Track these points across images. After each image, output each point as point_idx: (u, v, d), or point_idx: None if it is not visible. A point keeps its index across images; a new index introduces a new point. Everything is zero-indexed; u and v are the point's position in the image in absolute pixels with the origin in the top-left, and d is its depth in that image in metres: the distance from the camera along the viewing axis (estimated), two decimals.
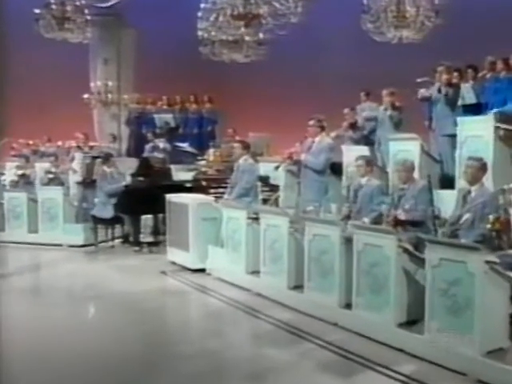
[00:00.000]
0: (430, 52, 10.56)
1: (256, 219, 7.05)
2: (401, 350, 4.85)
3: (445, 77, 7.66)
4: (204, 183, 9.68)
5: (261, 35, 12.43)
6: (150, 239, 9.55)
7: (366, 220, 6.29)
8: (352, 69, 12.05)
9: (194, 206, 7.82)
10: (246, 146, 8.26)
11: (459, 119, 6.75)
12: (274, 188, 8.48)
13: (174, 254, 8.33)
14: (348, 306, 5.55)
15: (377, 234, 5.27)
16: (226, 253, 7.43)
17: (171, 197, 8.40)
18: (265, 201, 7.61)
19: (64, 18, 11.84)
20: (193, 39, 12.43)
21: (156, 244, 9.39)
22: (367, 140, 9.25)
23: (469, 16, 10.60)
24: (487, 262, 4.32)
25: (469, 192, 5.53)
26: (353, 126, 9.15)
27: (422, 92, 8.20)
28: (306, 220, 6.16)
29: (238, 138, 11.73)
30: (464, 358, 4.35)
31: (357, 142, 9.13)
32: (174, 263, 8.28)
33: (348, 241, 5.66)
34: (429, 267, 4.70)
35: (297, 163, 7.51)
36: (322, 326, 5.62)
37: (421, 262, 5.06)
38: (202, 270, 7.78)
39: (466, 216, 5.33)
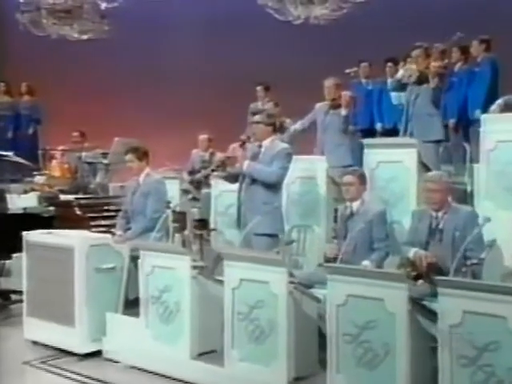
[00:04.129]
0: (342, 38, 8.69)
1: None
2: None
3: (435, 64, 5.71)
4: (78, 212, 6.45)
5: (104, 5, 9.56)
6: None
7: (368, 263, 4.39)
8: (241, 56, 9.41)
9: (84, 250, 4.80)
10: (143, 155, 5.42)
11: (483, 117, 4.97)
12: (181, 217, 5.86)
13: (38, 330, 5.15)
14: None
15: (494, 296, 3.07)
16: (144, 325, 4.63)
17: (32, 235, 5.20)
18: (199, 237, 4.97)
19: None
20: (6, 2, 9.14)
21: None
22: None
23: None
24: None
25: None
26: (281, 125, 6.89)
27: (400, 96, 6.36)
28: (332, 272, 3.69)
29: (87, 144, 8.75)
30: None
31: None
32: (35, 343, 5.14)
33: (416, 304, 3.51)
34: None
35: (232, 177, 5.07)
36: None
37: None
38: (97, 354, 4.83)
39: None
